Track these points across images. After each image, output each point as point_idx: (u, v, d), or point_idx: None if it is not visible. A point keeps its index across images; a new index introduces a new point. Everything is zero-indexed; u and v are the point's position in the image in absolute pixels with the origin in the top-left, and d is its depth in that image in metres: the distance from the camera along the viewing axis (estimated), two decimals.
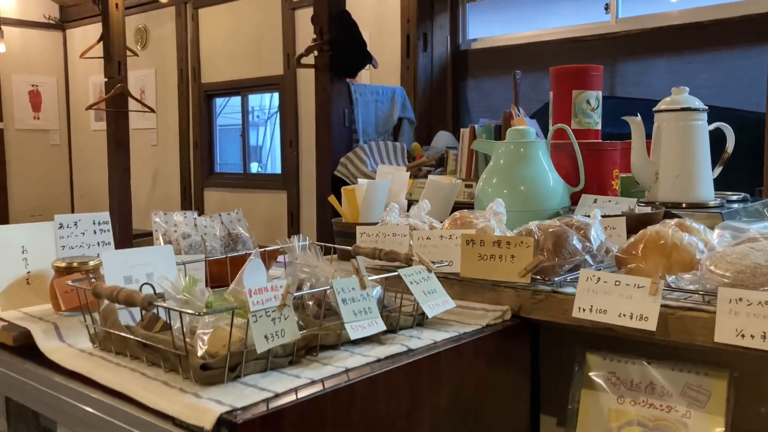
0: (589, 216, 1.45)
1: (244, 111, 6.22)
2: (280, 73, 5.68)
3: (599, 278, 1.19)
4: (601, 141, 1.91)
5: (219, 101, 6.55)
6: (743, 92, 3.76)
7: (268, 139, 6.68)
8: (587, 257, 1.31)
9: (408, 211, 1.67)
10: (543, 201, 1.72)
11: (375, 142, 4.27)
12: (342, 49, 4.10)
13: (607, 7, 4.22)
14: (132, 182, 5.60)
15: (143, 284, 1.07)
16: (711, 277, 1.14)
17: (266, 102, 6.60)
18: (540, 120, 4.07)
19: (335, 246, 1.53)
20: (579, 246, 1.31)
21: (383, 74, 4.83)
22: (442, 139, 4.47)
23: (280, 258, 1.57)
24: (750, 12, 3.63)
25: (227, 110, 6.60)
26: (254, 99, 6.52)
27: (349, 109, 4.28)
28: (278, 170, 5.93)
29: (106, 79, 5.38)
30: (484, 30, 4.85)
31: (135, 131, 6.72)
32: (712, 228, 1.36)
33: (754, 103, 3.62)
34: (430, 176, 1.77)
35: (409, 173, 1.85)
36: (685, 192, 1.76)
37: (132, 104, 5.75)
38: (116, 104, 5.34)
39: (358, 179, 4.08)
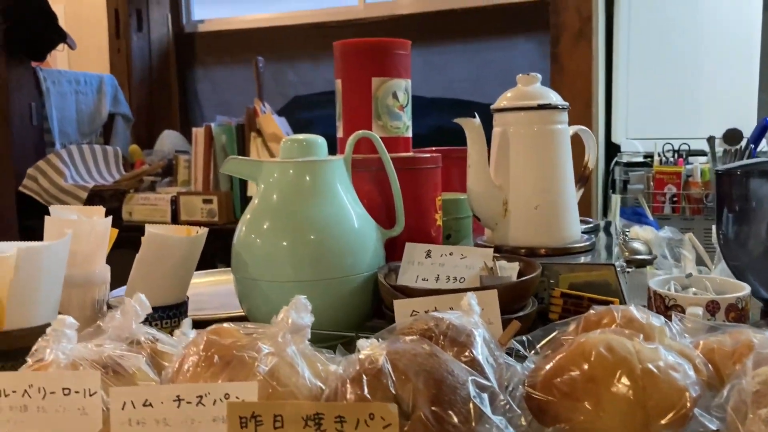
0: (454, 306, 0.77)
1: None
2: None
3: None
4: (417, 155, 1.25)
5: None
6: (497, 87, 3.42)
7: None
8: (498, 422, 0.62)
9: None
10: (349, 258, 1.02)
11: (77, 146, 3.27)
12: (22, 21, 3.05)
13: None
14: None
15: None
16: None
17: None
18: (289, 119, 3.39)
19: None
20: (479, 397, 0.62)
21: (86, 59, 3.80)
22: (169, 140, 3.61)
23: None
24: (501, 1, 3.31)
25: None
26: None
27: (38, 103, 3.23)
28: None
29: None
30: (213, 10, 4.03)
31: None
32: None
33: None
34: (147, 229, 0.97)
35: (110, 219, 1.03)
36: (550, 230, 1.17)
37: None
38: None
39: (50, 203, 3.07)
